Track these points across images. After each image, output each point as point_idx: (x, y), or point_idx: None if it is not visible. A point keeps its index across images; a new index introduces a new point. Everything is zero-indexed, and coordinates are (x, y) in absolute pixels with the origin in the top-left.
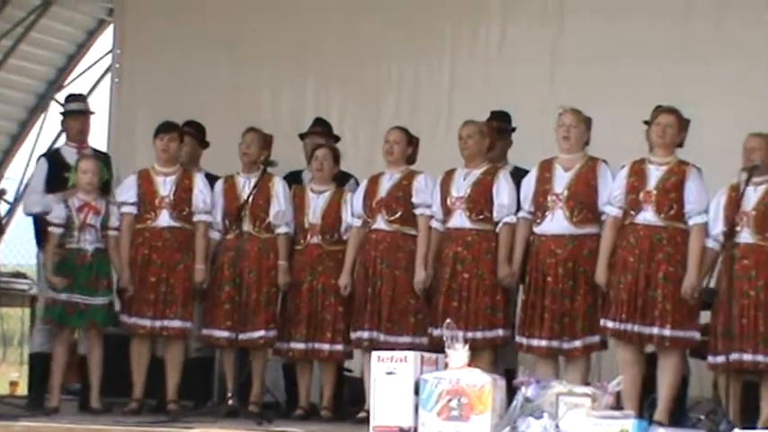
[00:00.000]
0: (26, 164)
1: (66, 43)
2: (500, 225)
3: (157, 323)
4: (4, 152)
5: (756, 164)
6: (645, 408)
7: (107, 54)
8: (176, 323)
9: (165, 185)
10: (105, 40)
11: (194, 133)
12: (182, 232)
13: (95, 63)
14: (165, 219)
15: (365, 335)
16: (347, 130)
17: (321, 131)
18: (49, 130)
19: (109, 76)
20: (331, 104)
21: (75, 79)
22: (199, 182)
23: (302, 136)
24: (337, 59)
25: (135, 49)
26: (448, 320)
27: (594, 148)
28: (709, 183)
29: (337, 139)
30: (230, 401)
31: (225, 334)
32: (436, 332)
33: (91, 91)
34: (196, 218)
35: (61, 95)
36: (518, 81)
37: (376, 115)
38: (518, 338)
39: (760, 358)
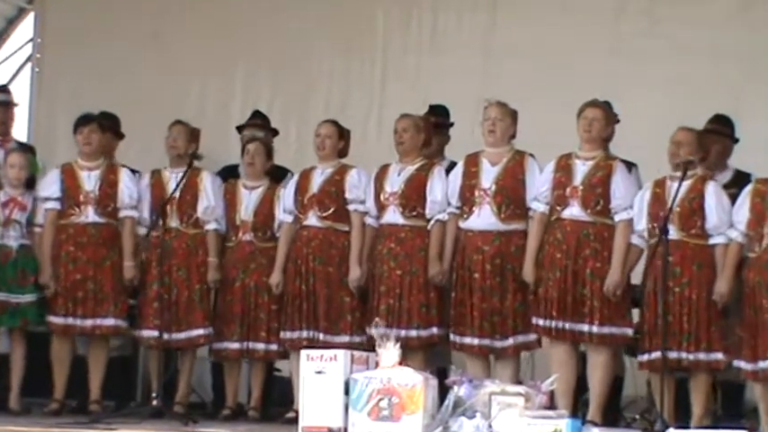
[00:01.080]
0: None
1: None
2: (432, 222)
3: (89, 322)
4: None
5: (691, 159)
6: (579, 407)
7: (27, 43)
8: (110, 321)
9: (89, 180)
10: (25, 28)
11: (108, 125)
12: (107, 228)
13: (15, 52)
14: (90, 214)
15: (304, 334)
16: (277, 123)
17: (260, 124)
18: None
19: (29, 65)
20: (260, 96)
21: None
22: (124, 176)
23: (239, 128)
24: (267, 50)
25: (56, 38)
26: (377, 319)
27: (526, 143)
28: (646, 179)
29: (275, 132)
30: (155, 402)
31: (154, 333)
32: (371, 331)
33: (10, 81)
34: (122, 213)
35: None
36: (451, 73)
37: (306, 108)
38: (451, 336)
39: (684, 355)
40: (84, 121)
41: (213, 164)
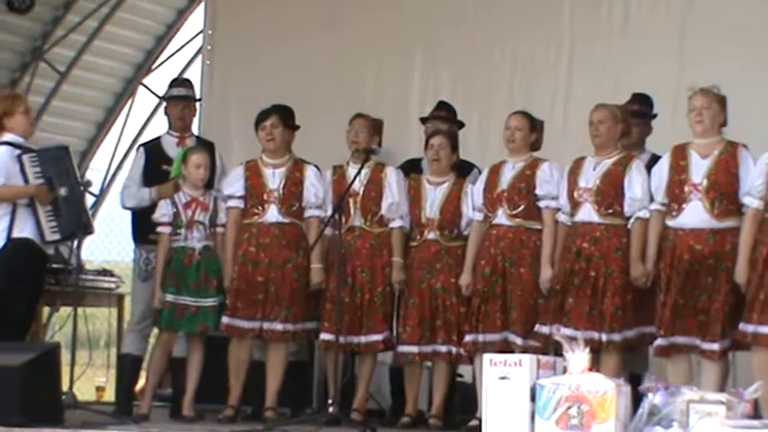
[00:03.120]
0: (112, 154)
1: (154, 24)
2: (632, 220)
3: (265, 325)
4: (89, 141)
5: None
6: None
7: (198, 35)
8: (279, 326)
9: (274, 178)
10: (196, 19)
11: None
12: (291, 228)
13: (185, 45)
14: (273, 214)
15: (495, 337)
16: (459, 115)
17: (445, 116)
18: (136, 116)
19: (200, 58)
20: (440, 86)
21: (164, 62)
22: (310, 174)
23: (423, 120)
24: (446, 36)
25: (227, 29)
26: (564, 320)
27: (735, 132)
28: None
29: (461, 125)
30: (331, 408)
31: (331, 337)
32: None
33: (180, 74)
34: (308, 213)
35: (149, 80)
36: (643, 60)
37: (489, 98)
38: (659, 341)
39: None
40: (265, 115)
41: (391, 157)
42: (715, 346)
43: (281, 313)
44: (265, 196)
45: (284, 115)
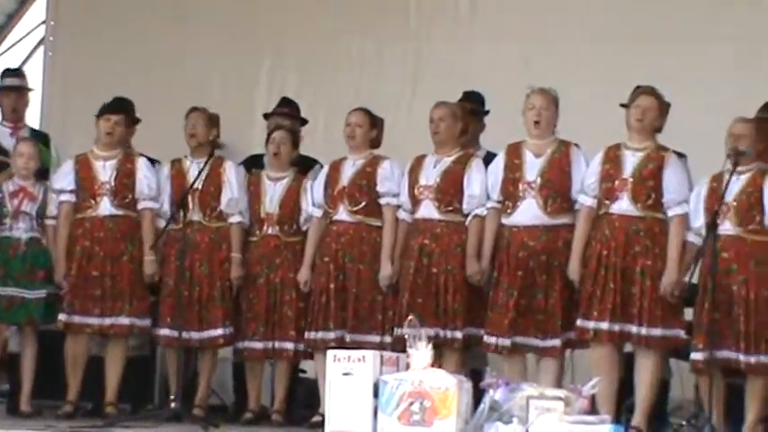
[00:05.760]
0: None
1: None
2: (470, 217)
3: (106, 321)
4: None
5: (742, 150)
6: (622, 412)
7: (39, 25)
8: (125, 320)
9: (104, 170)
10: (37, 10)
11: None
12: (125, 221)
13: (26, 35)
14: (106, 207)
15: (331, 335)
16: (304, 111)
17: (287, 112)
18: None
19: (41, 49)
20: (287, 83)
21: (3, 53)
22: (142, 166)
23: (266, 116)
24: (293, 36)
25: (70, 20)
26: (410, 317)
27: (569, 132)
28: (696, 173)
29: (304, 121)
30: (173, 404)
31: (172, 332)
32: (401, 331)
33: (21, 66)
34: (141, 205)
35: None
36: (490, 61)
37: (335, 95)
38: (486, 338)
39: (742, 357)
40: (112, 109)
41: (237, 154)
42: (556, 342)
43: (125, 307)
44: (97, 189)
45: (125, 109)
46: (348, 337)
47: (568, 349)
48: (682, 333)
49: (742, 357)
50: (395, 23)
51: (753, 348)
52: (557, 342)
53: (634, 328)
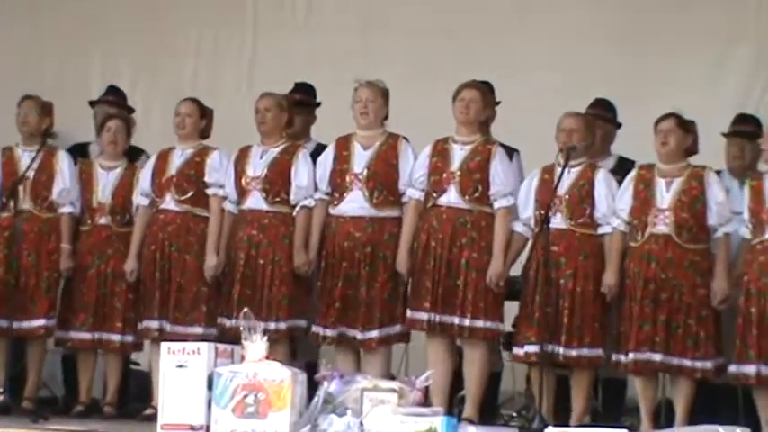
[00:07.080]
0: None
1: None
2: (297, 209)
3: None
4: None
5: (574, 145)
6: (455, 404)
7: None
8: None
9: None
10: None
11: None
12: None
13: None
14: None
15: (154, 324)
16: (139, 101)
17: (113, 100)
18: None
19: None
20: (122, 73)
21: None
22: None
23: (92, 104)
24: (129, 25)
25: None
26: (245, 309)
27: (401, 125)
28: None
29: (131, 110)
30: (1, 397)
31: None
32: (228, 322)
33: None
34: None
35: None
36: (327, 54)
37: (171, 85)
38: (314, 328)
39: (566, 351)
40: None
41: (70, 143)
42: (373, 335)
43: None
44: None
45: None
46: (169, 328)
47: (396, 343)
48: (501, 325)
49: (563, 351)
50: (232, 12)
51: (575, 342)
52: (374, 334)
53: (456, 320)
